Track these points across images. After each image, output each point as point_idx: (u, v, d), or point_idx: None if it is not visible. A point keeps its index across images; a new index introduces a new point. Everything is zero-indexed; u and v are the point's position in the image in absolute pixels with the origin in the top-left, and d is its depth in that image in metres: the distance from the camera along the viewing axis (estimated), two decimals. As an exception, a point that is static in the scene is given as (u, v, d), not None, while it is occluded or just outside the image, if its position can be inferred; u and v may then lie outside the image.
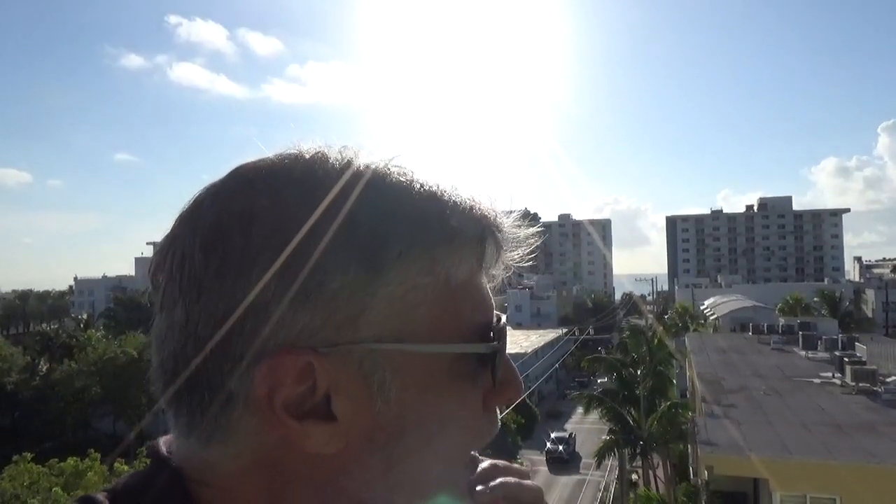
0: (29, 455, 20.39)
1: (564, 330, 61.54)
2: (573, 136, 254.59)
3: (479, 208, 0.55)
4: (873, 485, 9.79)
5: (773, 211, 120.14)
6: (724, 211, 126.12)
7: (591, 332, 62.23)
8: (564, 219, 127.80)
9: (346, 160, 0.53)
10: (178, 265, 0.50)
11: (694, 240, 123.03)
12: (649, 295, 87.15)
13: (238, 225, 0.49)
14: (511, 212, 0.58)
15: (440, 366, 0.51)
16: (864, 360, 17.09)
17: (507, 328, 0.57)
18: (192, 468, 0.51)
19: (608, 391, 27.07)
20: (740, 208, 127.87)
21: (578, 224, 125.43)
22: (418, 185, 0.53)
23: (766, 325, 28.39)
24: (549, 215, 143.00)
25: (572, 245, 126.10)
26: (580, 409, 35.28)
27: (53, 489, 18.24)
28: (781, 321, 29.64)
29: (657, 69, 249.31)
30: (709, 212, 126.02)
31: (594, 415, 26.92)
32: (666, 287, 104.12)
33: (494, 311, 0.57)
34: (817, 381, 16.33)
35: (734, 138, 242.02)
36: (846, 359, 16.76)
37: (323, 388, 0.48)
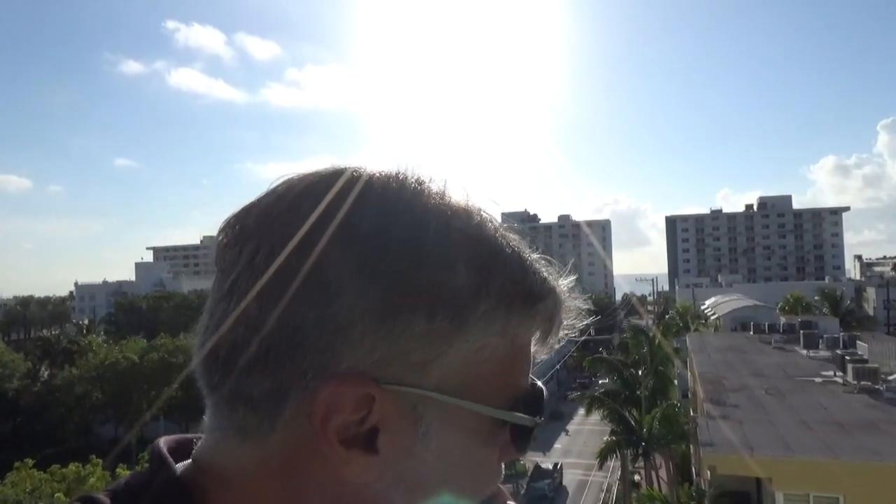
0: (31, 461, 20.39)
1: (565, 331, 61.50)
2: (572, 137, 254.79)
3: (552, 279, 0.56)
4: (876, 483, 9.77)
5: (773, 210, 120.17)
6: (724, 210, 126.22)
7: (592, 332, 62.18)
8: (564, 219, 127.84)
9: (441, 193, 0.53)
10: (263, 258, 0.49)
11: (694, 239, 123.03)
12: (650, 295, 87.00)
13: (342, 236, 0.48)
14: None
15: (483, 425, 0.52)
16: (865, 358, 17.07)
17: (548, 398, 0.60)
18: (213, 463, 0.52)
19: (610, 392, 27.04)
20: (740, 208, 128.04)
21: (578, 225, 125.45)
22: (507, 241, 0.54)
23: (767, 324, 28.34)
24: (548, 216, 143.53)
25: (572, 246, 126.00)
26: (582, 410, 35.25)
27: (55, 495, 18.23)
28: (782, 320, 29.61)
29: (655, 69, 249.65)
30: (708, 211, 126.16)
31: (596, 415, 26.85)
32: (666, 287, 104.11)
33: (537, 381, 0.58)
34: (819, 379, 16.31)
35: (733, 137, 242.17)
36: (848, 357, 16.74)
37: (373, 421, 0.48)
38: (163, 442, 0.57)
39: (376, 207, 0.50)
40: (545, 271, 0.55)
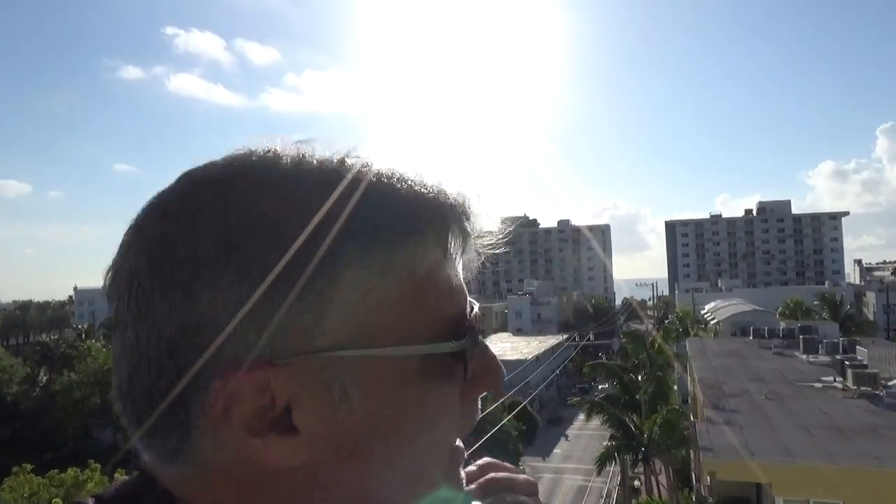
0: (29, 466, 20.33)
1: (565, 336, 61.54)
2: (572, 142, 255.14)
3: (441, 196, 0.52)
4: (876, 488, 9.75)
5: (773, 215, 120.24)
6: (724, 215, 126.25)
7: (592, 337, 62.17)
8: (564, 224, 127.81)
9: (298, 158, 0.50)
10: (125, 284, 0.48)
11: (693, 244, 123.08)
12: (650, 300, 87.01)
13: (182, 238, 0.46)
14: (480, 195, 0.56)
15: (408, 367, 0.49)
16: (865, 363, 17.04)
17: (481, 316, 0.56)
18: (169, 485, 0.49)
19: (609, 397, 27.03)
20: (739, 212, 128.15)
21: (578, 229, 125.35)
22: (375, 180, 0.50)
23: (766, 328, 28.31)
24: (548, 221, 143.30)
25: (572, 251, 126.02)
26: (581, 416, 35.19)
27: (54, 500, 18.16)
28: (782, 325, 29.56)
29: (655, 74, 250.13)
30: (708, 216, 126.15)
31: (596, 421, 26.83)
32: (666, 292, 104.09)
33: (468, 301, 0.54)
34: (818, 384, 16.28)
35: (732, 143, 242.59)
36: (847, 362, 16.71)
37: (283, 401, 0.46)
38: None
39: (212, 200, 0.48)
40: (433, 193, 0.52)
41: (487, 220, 0.56)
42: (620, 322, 70.72)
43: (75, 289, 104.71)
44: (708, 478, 11.81)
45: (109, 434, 38.36)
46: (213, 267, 0.45)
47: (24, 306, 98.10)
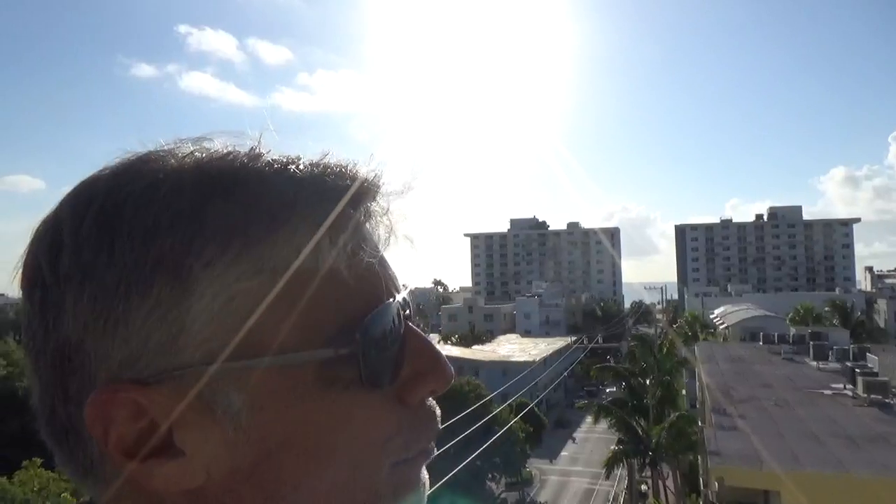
0: (39, 460, 20.53)
1: (573, 338, 61.40)
2: (582, 145, 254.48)
3: (327, 178, 0.47)
4: (885, 498, 9.69)
5: (783, 220, 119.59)
6: (734, 220, 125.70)
7: (600, 340, 62.01)
8: (573, 227, 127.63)
9: (168, 157, 0.46)
10: (20, 312, 0.47)
11: (703, 248, 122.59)
12: (659, 303, 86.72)
13: (47, 258, 0.44)
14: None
15: (301, 378, 0.43)
16: (876, 371, 16.92)
17: (399, 307, 0.48)
18: None
19: (617, 400, 27.00)
20: (749, 217, 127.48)
21: (587, 232, 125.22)
22: (244, 172, 0.45)
23: (776, 334, 28.16)
24: (557, 223, 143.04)
25: (581, 253, 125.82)
26: (589, 418, 35.11)
27: (62, 494, 18.35)
28: (792, 331, 29.38)
29: (667, 78, 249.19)
30: (718, 221, 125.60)
31: (603, 424, 26.78)
32: (675, 296, 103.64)
33: (380, 293, 0.47)
34: (828, 392, 16.17)
35: (743, 147, 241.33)
36: (858, 370, 16.61)
37: (164, 421, 0.42)
38: None
39: (70, 215, 0.45)
40: (318, 175, 0.47)
41: (403, 195, 0.50)
42: (629, 325, 70.48)
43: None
44: (716, 483, 11.75)
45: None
46: (73, 285, 0.42)
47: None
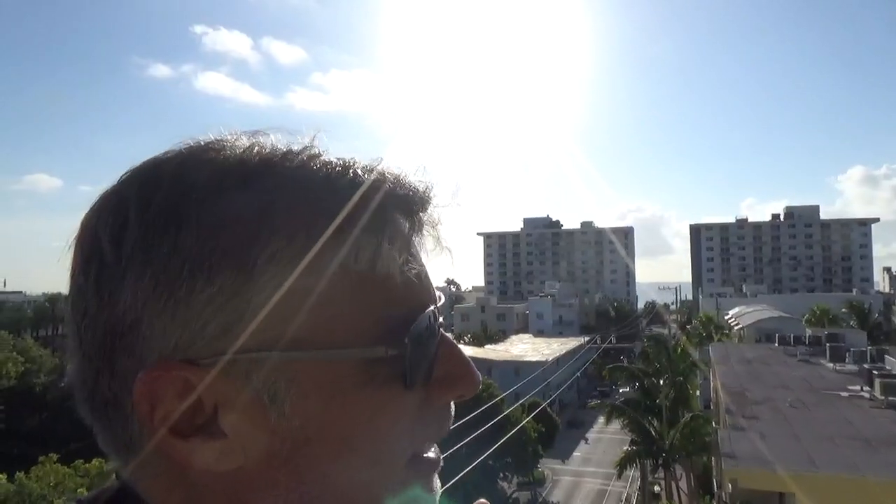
0: (55, 456, 20.78)
1: (586, 338, 61.20)
2: (596, 144, 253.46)
3: (385, 183, 0.49)
4: (903, 502, 9.57)
5: (800, 220, 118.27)
6: (750, 220, 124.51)
7: (614, 340, 61.76)
8: (587, 226, 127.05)
9: (231, 149, 0.49)
10: (69, 286, 0.48)
11: (718, 248, 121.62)
12: (673, 304, 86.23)
13: (109, 236, 0.46)
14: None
15: (344, 372, 0.46)
16: (894, 373, 16.70)
17: (439, 314, 0.51)
18: (134, 485, 0.48)
19: (630, 401, 26.86)
20: (765, 217, 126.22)
21: (601, 232, 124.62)
22: (308, 171, 0.48)
23: (792, 335, 27.85)
24: (571, 223, 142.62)
25: (594, 253, 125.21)
26: (601, 419, 34.97)
27: (78, 490, 18.54)
28: (808, 332, 29.06)
29: (681, 76, 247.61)
30: (734, 220, 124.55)
31: (616, 424, 26.67)
32: (690, 296, 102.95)
33: (425, 298, 0.50)
34: (845, 394, 15.99)
35: (759, 146, 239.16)
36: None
37: (210, 403, 0.44)
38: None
39: (136, 196, 0.47)
40: (377, 180, 0.49)
41: (449, 208, 0.53)
42: (643, 325, 70.13)
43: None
44: (729, 485, 11.67)
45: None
46: (135, 265, 0.44)
47: (53, 299, 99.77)
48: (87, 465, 20.34)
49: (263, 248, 0.44)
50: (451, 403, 0.53)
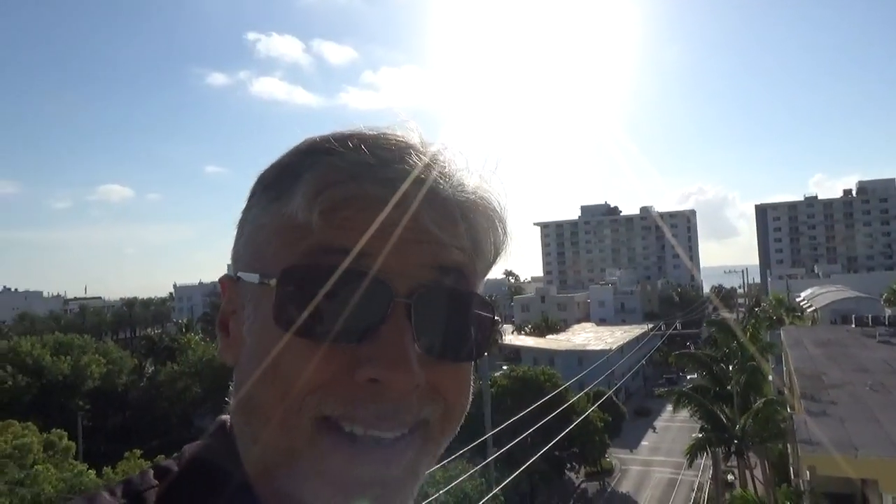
0: (138, 451, 21.84)
1: (650, 325, 59.97)
2: (653, 127, 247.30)
3: (324, 141, 0.59)
4: None
5: (874, 195, 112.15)
6: (819, 197, 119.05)
7: (679, 326, 60.33)
8: (646, 211, 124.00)
9: (351, 132, 0.59)
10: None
11: (787, 228, 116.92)
12: (740, 287, 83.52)
13: (256, 182, 0.63)
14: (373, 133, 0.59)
15: (269, 300, 0.55)
16: (983, 352, 15.81)
17: (380, 288, 0.53)
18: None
19: (698, 388, 26.20)
20: (836, 193, 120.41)
21: (661, 216, 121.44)
22: (328, 142, 0.58)
23: (870, 316, 26.63)
24: (630, 208, 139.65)
25: (655, 238, 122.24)
26: (669, 407, 34.27)
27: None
28: (888, 312, 27.73)
29: (741, 50, 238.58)
30: (802, 198, 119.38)
31: (684, 412, 26.07)
32: (758, 279, 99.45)
33: (367, 261, 0.52)
34: (930, 375, 15.23)
35: (826, 120, 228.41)
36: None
37: (230, 309, 0.62)
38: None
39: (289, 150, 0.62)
40: (324, 141, 0.58)
41: (364, 137, 0.58)
42: (709, 311, 68.23)
43: (175, 286, 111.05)
44: (808, 472, 11.31)
45: (210, 421, 40.47)
46: (251, 200, 0.62)
47: (130, 303, 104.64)
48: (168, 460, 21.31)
49: (254, 195, 0.61)
50: (387, 384, 0.52)
